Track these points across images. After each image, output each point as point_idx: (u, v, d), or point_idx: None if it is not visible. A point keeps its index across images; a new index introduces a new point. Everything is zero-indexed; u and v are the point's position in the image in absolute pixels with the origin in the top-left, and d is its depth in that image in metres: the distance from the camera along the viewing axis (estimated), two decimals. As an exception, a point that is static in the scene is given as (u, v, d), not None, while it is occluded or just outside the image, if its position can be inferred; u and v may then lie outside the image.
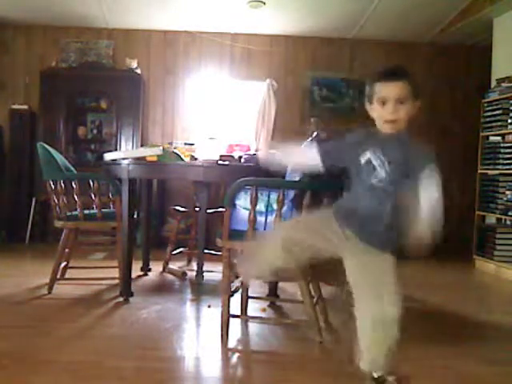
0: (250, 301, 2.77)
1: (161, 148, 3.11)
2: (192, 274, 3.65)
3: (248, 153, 3.98)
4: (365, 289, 1.72)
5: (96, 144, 5.47)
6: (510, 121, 4.28)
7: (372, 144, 1.73)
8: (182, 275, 3.74)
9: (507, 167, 4.26)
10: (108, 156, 3.22)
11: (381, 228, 1.73)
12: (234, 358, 2.23)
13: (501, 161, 4.35)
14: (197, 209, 3.83)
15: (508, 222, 4.47)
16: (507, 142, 4.32)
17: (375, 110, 1.72)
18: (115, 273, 3.23)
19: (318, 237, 1.76)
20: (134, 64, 5.26)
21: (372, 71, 1.82)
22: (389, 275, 1.76)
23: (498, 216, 4.44)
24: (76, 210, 3.12)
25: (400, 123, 1.68)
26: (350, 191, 1.80)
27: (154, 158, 3.02)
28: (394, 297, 1.74)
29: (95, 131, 5.46)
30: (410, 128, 1.75)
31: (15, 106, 5.26)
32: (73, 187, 3.08)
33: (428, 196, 1.64)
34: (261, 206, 2.31)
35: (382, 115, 1.68)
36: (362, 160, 1.73)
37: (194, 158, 3.58)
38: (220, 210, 3.80)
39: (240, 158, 3.39)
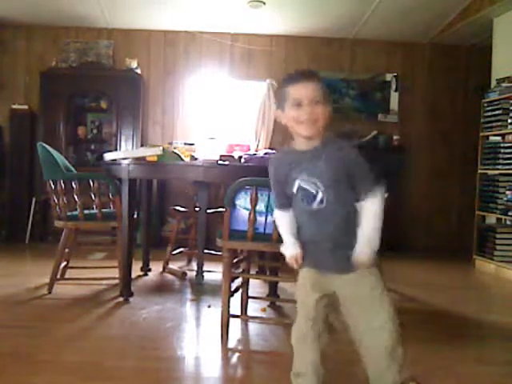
0: (250, 301, 2.77)
1: (161, 148, 3.11)
2: (192, 274, 3.65)
3: (248, 153, 3.99)
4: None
5: (96, 144, 5.47)
6: (510, 121, 4.28)
7: (296, 169, 1.62)
8: (182, 275, 3.74)
9: (507, 167, 4.26)
10: (108, 156, 3.22)
11: (338, 249, 1.62)
12: (234, 358, 2.23)
13: (501, 161, 4.35)
14: (197, 209, 3.82)
15: (508, 222, 4.47)
16: (507, 142, 4.32)
17: (290, 115, 1.61)
18: (115, 273, 3.23)
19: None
20: (134, 64, 5.26)
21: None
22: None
23: (498, 216, 4.44)
24: (76, 210, 3.12)
25: (319, 124, 1.58)
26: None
27: (154, 158, 3.02)
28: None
29: (95, 131, 5.46)
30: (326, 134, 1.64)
31: (15, 106, 5.26)
32: (73, 187, 3.08)
33: (371, 217, 1.59)
34: (261, 206, 2.31)
35: (299, 115, 1.59)
36: (294, 189, 1.63)
37: (194, 158, 3.58)
38: (220, 210, 3.80)
39: (240, 157, 3.39)
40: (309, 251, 1.69)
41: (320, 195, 1.59)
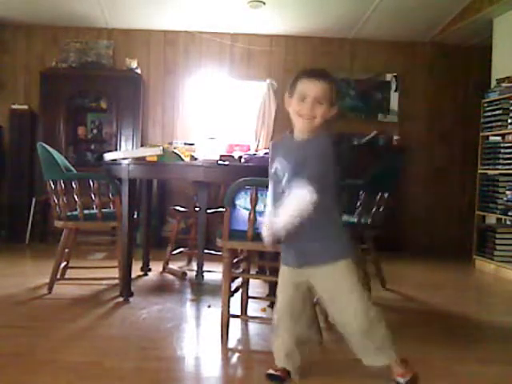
0: (250, 301, 2.76)
1: (161, 148, 3.11)
2: (192, 274, 3.65)
3: (248, 153, 3.98)
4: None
5: (96, 144, 5.47)
6: (510, 121, 4.28)
7: (280, 152, 1.78)
8: (182, 275, 3.74)
9: (507, 167, 4.26)
10: (108, 156, 3.22)
11: (304, 236, 1.74)
12: (234, 358, 2.23)
13: (501, 161, 4.35)
14: (197, 209, 3.83)
15: (508, 222, 4.47)
16: (507, 142, 4.32)
17: (293, 104, 1.75)
18: (115, 273, 3.23)
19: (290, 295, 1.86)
20: (134, 64, 5.26)
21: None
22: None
23: (498, 216, 4.44)
24: (76, 210, 3.12)
25: (315, 121, 1.71)
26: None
27: (154, 158, 3.02)
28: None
29: (95, 131, 5.46)
30: (327, 129, 1.76)
31: (15, 106, 5.26)
32: (73, 187, 3.08)
33: (287, 203, 1.69)
34: (261, 206, 2.30)
35: (299, 109, 1.72)
36: (273, 170, 1.80)
37: (193, 158, 3.58)
38: (220, 210, 3.80)
39: (240, 157, 3.39)
40: (284, 244, 1.84)
41: (285, 180, 1.73)
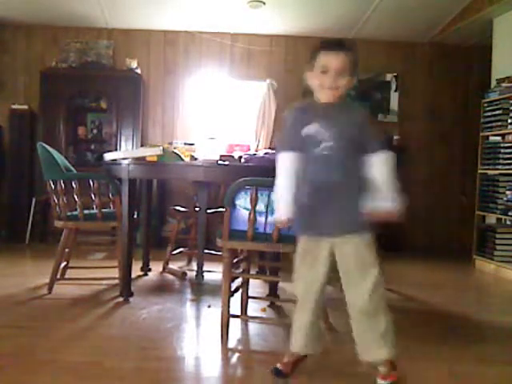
0: (250, 301, 2.77)
1: (161, 148, 3.11)
2: (192, 274, 3.65)
3: (248, 153, 3.98)
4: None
5: (96, 144, 5.47)
6: (510, 121, 4.28)
7: (314, 116, 1.76)
8: (182, 275, 3.74)
9: (507, 167, 4.26)
10: (108, 156, 3.22)
11: (341, 202, 1.74)
12: (234, 358, 2.23)
13: (501, 161, 4.35)
14: (197, 209, 3.82)
15: (508, 222, 4.47)
16: (507, 142, 4.32)
17: (315, 77, 1.76)
18: (115, 273, 3.23)
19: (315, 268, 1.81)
20: (134, 64, 5.26)
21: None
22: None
23: (498, 216, 4.44)
24: (76, 210, 3.12)
25: (340, 91, 1.74)
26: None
27: (154, 158, 3.02)
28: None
29: (95, 131, 5.46)
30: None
31: (15, 106, 5.26)
32: (73, 187, 3.08)
33: (387, 171, 1.72)
34: (261, 206, 2.31)
35: (323, 82, 1.73)
36: (306, 133, 1.76)
37: (193, 158, 3.58)
38: (220, 210, 3.80)
39: (240, 157, 3.39)
40: (311, 210, 1.76)
41: (326, 143, 1.71)
